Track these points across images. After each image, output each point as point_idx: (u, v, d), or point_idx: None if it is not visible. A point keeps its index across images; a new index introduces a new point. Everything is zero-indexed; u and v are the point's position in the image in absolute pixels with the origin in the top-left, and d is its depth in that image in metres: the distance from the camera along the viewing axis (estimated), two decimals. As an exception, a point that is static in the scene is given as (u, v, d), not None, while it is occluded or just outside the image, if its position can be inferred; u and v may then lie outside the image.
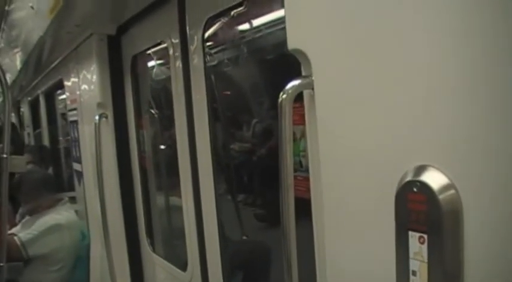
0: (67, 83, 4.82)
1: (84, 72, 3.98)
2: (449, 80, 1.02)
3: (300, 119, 1.60)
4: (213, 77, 2.77)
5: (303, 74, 1.47)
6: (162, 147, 3.64)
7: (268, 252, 3.20)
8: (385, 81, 1.17)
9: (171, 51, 2.78)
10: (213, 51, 2.93)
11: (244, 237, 3.50)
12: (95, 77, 3.65)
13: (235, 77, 3.70)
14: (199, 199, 2.63)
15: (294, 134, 1.84)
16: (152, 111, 3.61)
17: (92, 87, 3.77)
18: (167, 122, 3.27)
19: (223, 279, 2.48)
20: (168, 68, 2.92)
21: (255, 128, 3.88)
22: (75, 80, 4.34)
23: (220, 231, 2.61)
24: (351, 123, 1.28)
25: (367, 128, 1.23)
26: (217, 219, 2.54)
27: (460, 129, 1.01)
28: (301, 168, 1.87)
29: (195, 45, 2.55)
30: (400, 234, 1.12)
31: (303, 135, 1.73)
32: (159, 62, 3.39)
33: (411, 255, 1.10)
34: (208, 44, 2.66)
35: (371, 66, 1.21)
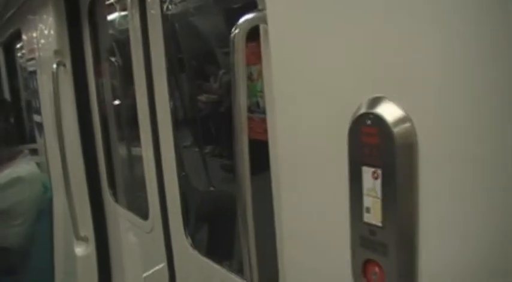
0: (25, 32, 4.68)
1: (41, 19, 3.85)
2: (406, 11, 0.97)
3: (257, 58, 1.54)
4: (173, 26, 2.68)
5: (259, 7, 1.41)
6: (122, 96, 3.55)
7: (233, 202, 3.17)
8: (339, 12, 1.11)
9: (128, 0, 2.68)
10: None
11: (212, 188, 3.46)
12: (51, 24, 3.53)
13: (199, 27, 3.60)
14: (158, 150, 2.58)
15: (251, 74, 1.79)
16: (112, 59, 3.51)
17: (49, 35, 3.65)
18: (127, 71, 3.18)
19: (184, 228, 2.45)
20: (126, 16, 2.82)
21: (222, 79, 3.80)
22: (33, 28, 4.21)
23: (184, 181, 2.57)
24: (304, 56, 1.23)
25: (321, 61, 1.18)
26: (177, 169, 2.49)
27: (416, 61, 0.96)
28: (259, 109, 1.82)
29: None
30: (353, 169, 1.08)
31: (261, 75, 1.67)
32: (117, 9, 3.28)
33: (365, 191, 1.06)
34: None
35: None
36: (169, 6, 2.67)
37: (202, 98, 3.78)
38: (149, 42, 2.52)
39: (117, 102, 3.61)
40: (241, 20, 1.37)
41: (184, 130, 3.03)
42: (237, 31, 1.37)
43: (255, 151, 1.49)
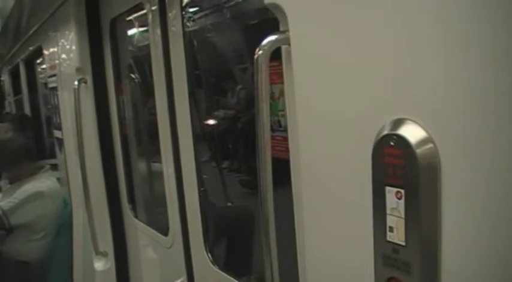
0: (46, 49, 4.74)
1: (63, 37, 3.90)
2: (428, 34, 0.99)
3: (278, 77, 1.57)
4: (194, 43, 2.71)
5: (281, 29, 1.44)
6: (143, 112, 3.58)
7: (253, 217, 3.18)
8: (362, 34, 1.13)
9: (149, 17, 2.71)
10: (193, 16, 2.86)
11: (229, 204, 3.47)
12: (73, 41, 3.58)
13: (218, 43, 3.63)
14: (179, 165, 2.60)
15: (273, 93, 1.81)
16: (132, 76, 3.55)
17: (71, 52, 3.70)
18: (147, 87, 3.21)
19: (204, 243, 2.47)
20: (147, 33, 2.86)
21: (240, 95, 3.82)
22: (54, 45, 4.26)
23: (203, 197, 2.59)
24: (328, 78, 1.25)
25: (344, 83, 1.20)
26: (198, 185, 2.51)
27: (439, 82, 0.98)
28: (280, 128, 1.84)
29: (173, 10, 2.49)
30: (377, 189, 1.10)
31: (282, 94, 1.69)
32: (138, 26, 3.32)
33: (388, 211, 1.07)
34: (188, 9, 2.60)
35: (348, 20, 1.17)
36: (190, 23, 2.70)
37: (225, 113, 3.81)
38: (170, 58, 2.55)
39: (137, 118, 3.65)
40: (265, 41, 1.40)
41: (205, 145, 3.06)
42: (260, 52, 1.40)
43: (276, 168, 1.51)
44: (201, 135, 2.86)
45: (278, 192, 1.55)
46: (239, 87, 3.78)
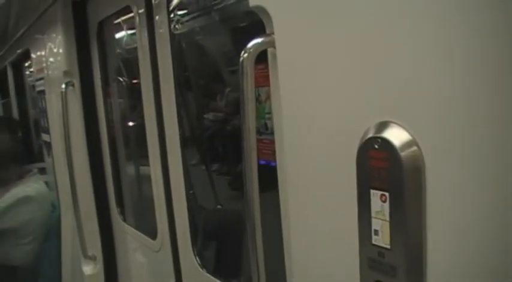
0: (33, 52, 4.72)
1: (50, 40, 3.88)
2: (413, 37, 0.99)
3: (265, 80, 1.56)
4: (182, 45, 2.71)
5: (267, 32, 1.43)
6: (131, 115, 3.57)
7: (241, 221, 3.16)
8: (347, 38, 1.13)
9: (137, 20, 2.70)
10: (180, 18, 2.86)
11: (219, 206, 3.47)
12: (60, 44, 3.56)
13: (206, 46, 3.62)
14: (167, 169, 2.59)
15: (260, 96, 1.81)
16: (120, 79, 3.54)
17: (58, 55, 3.69)
18: (135, 90, 3.20)
19: (192, 247, 2.46)
20: (134, 35, 2.85)
21: (229, 97, 3.83)
22: (41, 48, 4.24)
23: (192, 200, 2.58)
24: (313, 80, 1.25)
25: (329, 85, 1.19)
26: (185, 188, 2.50)
27: (422, 85, 0.98)
28: (267, 131, 1.84)
29: (160, 13, 2.48)
30: (361, 192, 1.09)
31: (269, 97, 1.69)
32: (125, 29, 3.31)
33: (373, 214, 1.07)
34: (176, 11, 2.60)
35: (333, 23, 1.17)
36: (178, 26, 2.69)
37: (210, 116, 3.80)
38: (157, 61, 2.54)
39: (125, 121, 3.64)
40: (250, 44, 1.39)
41: (192, 148, 3.05)
42: (245, 55, 1.39)
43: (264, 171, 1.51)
44: (188, 138, 2.85)
45: (267, 196, 1.55)
46: (228, 89, 3.79)
